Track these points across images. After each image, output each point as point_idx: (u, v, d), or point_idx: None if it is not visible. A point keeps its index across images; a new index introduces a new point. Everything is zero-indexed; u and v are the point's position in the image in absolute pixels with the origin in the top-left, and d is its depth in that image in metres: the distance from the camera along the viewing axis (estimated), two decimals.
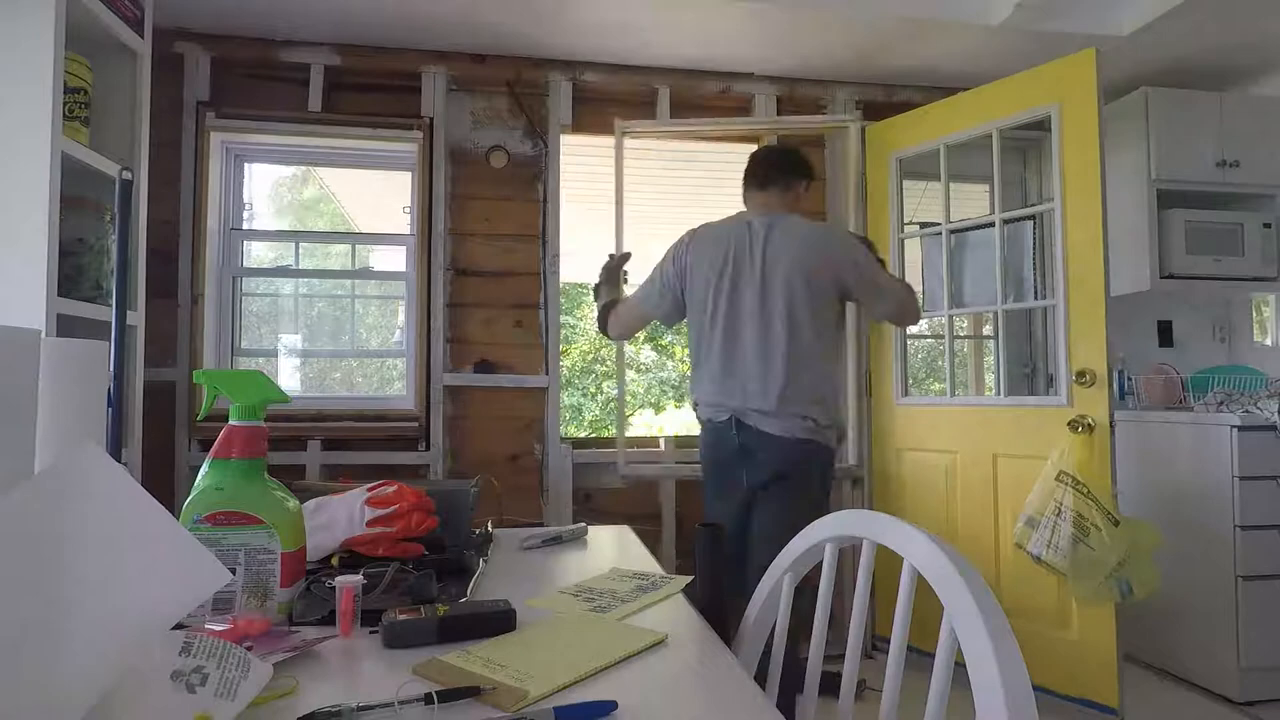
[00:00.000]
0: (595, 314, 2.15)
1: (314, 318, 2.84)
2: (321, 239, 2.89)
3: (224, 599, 0.72)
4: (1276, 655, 2.30)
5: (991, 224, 2.59)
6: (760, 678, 0.78)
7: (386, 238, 2.80)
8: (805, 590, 1.01)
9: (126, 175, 1.59)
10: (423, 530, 0.96)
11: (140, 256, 2.00)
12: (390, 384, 2.87)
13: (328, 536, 0.93)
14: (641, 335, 8.88)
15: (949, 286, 2.65)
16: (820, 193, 2.88)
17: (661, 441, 2.75)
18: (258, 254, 2.77)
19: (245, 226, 2.67)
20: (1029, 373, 3.10)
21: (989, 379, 3.19)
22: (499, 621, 0.74)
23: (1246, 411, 2.39)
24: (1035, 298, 2.84)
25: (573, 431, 7.70)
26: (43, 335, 0.56)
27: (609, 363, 8.27)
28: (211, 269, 2.52)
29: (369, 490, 0.98)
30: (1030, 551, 2.21)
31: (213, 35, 2.50)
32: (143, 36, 2.01)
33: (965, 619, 0.68)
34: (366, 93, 2.64)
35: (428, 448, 2.54)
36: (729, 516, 1.84)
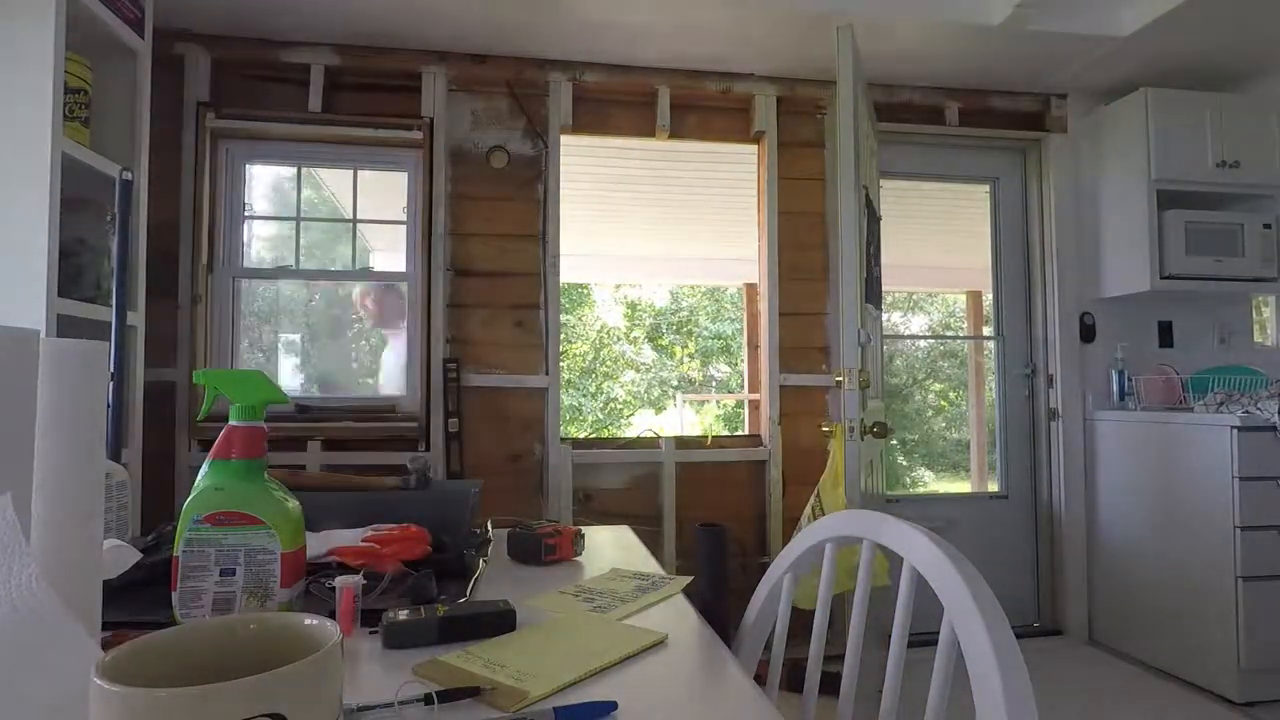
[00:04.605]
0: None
1: (314, 318, 2.84)
2: (323, 226, 2.88)
3: (224, 599, 0.72)
4: (1276, 655, 2.30)
5: None
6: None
7: (386, 238, 2.80)
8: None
9: (126, 175, 1.59)
10: (415, 556, 0.95)
11: (140, 256, 2.00)
12: (391, 384, 2.87)
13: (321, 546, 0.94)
14: (640, 335, 8.89)
15: None
16: (820, 192, 2.89)
17: (661, 442, 2.75)
18: (258, 255, 2.77)
19: (245, 226, 2.67)
20: (1029, 373, 3.10)
21: (989, 380, 3.19)
22: (499, 621, 0.74)
23: (1246, 412, 2.39)
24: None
25: (573, 431, 7.71)
26: (42, 335, 0.56)
27: (609, 363, 8.28)
28: (212, 269, 2.52)
29: (372, 529, 0.99)
30: None
31: (213, 35, 2.49)
32: (143, 37, 2.01)
33: (965, 619, 0.68)
34: (366, 93, 2.64)
35: (428, 448, 2.54)
36: None
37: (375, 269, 2.84)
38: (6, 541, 0.45)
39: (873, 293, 2.38)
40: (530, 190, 2.70)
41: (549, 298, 2.68)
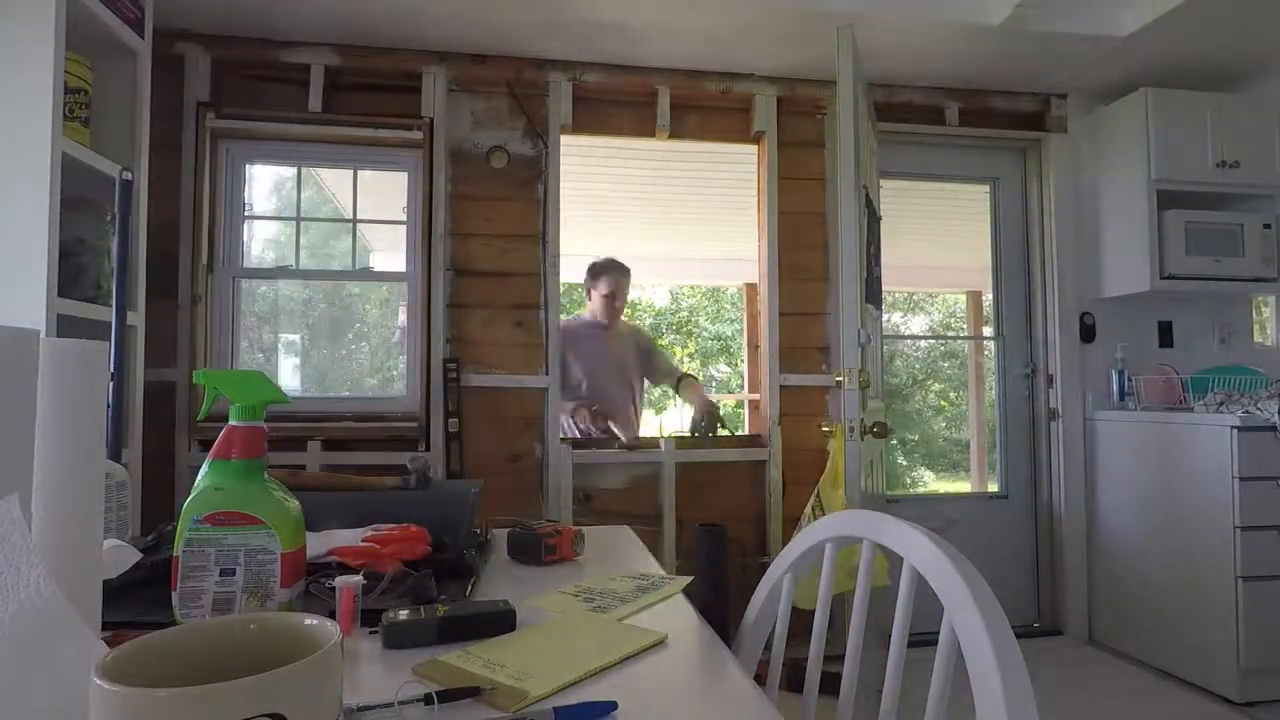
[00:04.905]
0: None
1: (315, 317, 2.84)
2: (323, 225, 2.89)
3: (224, 599, 0.72)
4: (1276, 655, 2.30)
5: None
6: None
7: (387, 238, 2.79)
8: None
9: (126, 175, 1.59)
10: (415, 555, 0.95)
11: (140, 256, 2.00)
12: (391, 384, 2.87)
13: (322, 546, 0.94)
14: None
15: None
16: (820, 192, 2.88)
17: (661, 442, 2.75)
18: (258, 255, 2.77)
19: (245, 226, 2.67)
20: (1029, 373, 3.10)
21: (989, 380, 3.19)
22: (499, 621, 0.74)
23: (1246, 412, 2.39)
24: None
25: None
26: (42, 335, 0.56)
27: None
28: (212, 269, 2.52)
29: (372, 529, 0.99)
30: None
31: (213, 35, 2.49)
32: (143, 37, 2.01)
33: (965, 619, 0.68)
34: (366, 93, 2.64)
35: (428, 448, 2.53)
36: None
37: (375, 269, 2.84)
38: (15, 542, 0.45)
39: (873, 293, 2.38)
40: (530, 190, 2.70)
41: (549, 298, 2.68)
